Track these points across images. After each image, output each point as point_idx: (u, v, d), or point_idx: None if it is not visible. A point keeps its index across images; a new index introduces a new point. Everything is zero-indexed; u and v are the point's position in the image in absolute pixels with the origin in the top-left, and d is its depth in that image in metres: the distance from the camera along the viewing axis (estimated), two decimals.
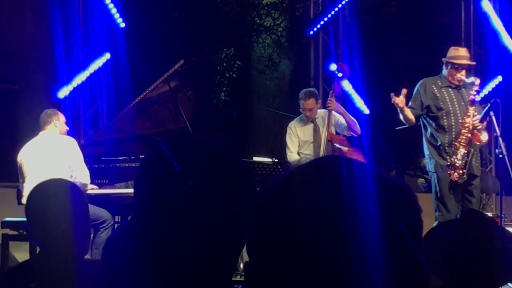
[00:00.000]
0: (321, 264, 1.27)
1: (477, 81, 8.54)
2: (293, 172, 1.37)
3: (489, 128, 8.88)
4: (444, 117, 8.51)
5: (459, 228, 3.52)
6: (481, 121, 8.60)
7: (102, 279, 1.87)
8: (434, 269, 3.56)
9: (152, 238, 1.78)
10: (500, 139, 8.68)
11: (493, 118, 8.66)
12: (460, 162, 8.35)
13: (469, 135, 8.38)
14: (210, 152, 1.87)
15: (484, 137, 8.47)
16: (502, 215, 8.88)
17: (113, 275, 1.83)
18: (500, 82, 11.69)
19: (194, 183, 1.76)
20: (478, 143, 8.46)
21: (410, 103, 8.58)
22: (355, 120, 9.12)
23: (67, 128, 8.70)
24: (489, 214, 9.49)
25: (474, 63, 8.73)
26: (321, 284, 1.27)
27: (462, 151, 8.36)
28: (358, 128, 9.06)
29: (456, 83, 8.54)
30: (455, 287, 3.40)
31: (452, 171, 8.37)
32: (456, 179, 8.36)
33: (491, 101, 8.80)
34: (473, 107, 8.45)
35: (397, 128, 9.58)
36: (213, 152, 1.88)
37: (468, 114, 8.43)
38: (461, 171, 8.35)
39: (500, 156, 8.74)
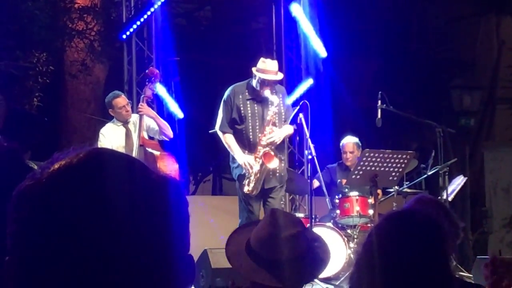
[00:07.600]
0: (85, 264, 1.24)
1: (276, 101, 8.58)
2: (59, 167, 1.33)
3: (299, 130, 9.07)
4: (244, 131, 8.60)
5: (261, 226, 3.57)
6: (291, 123, 8.76)
7: None
8: (238, 267, 3.59)
9: None
10: (309, 140, 8.85)
11: (303, 120, 8.84)
12: (253, 176, 8.43)
13: (264, 152, 8.46)
14: None
15: (274, 163, 8.54)
16: (313, 216, 9.05)
17: None
18: (310, 85, 11.98)
19: None
20: (267, 165, 8.48)
21: (223, 114, 8.63)
22: (167, 124, 9.09)
23: None
24: (301, 215, 9.70)
25: (280, 78, 8.68)
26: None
27: (256, 166, 8.43)
28: (170, 132, 9.03)
29: (262, 95, 8.55)
30: (260, 285, 3.44)
31: (246, 184, 8.48)
32: (248, 192, 8.47)
33: (301, 104, 8.98)
34: (270, 127, 8.51)
35: (210, 131, 9.64)
36: None
37: (264, 132, 8.50)
38: (253, 185, 8.44)
39: (310, 157, 8.91)
